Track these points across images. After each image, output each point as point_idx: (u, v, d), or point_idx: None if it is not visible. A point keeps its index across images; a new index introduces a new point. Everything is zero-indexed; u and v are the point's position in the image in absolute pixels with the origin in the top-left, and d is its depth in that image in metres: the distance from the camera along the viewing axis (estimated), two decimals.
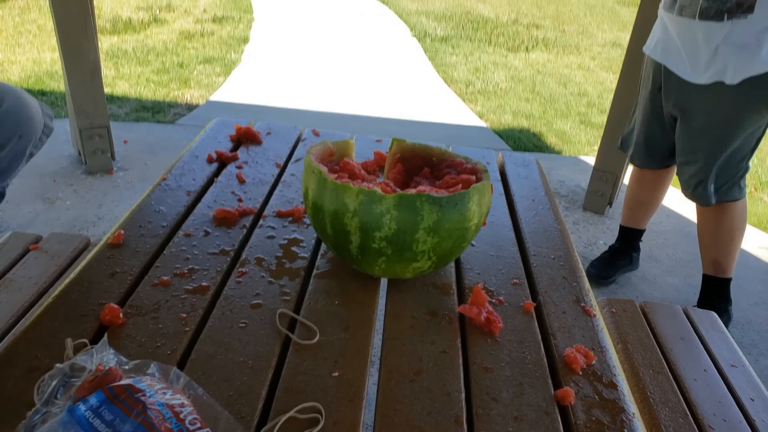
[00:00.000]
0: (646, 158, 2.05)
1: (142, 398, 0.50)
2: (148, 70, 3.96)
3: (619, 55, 5.52)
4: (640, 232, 2.28)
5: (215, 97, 3.72)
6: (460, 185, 0.79)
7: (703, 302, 2.02)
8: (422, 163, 0.91)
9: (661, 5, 1.80)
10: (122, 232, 0.84)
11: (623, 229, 2.28)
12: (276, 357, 0.68)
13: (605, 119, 2.69)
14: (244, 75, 4.17)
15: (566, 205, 2.79)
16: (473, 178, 0.81)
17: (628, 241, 2.28)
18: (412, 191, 0.72)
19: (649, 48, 1.88)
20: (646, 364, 1.07)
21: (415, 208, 0.70)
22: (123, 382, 0.52)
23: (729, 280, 2.00)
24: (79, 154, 2.55)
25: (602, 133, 2.69)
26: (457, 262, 0.89)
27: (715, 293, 2.01)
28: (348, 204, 0.72)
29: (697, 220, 2.05)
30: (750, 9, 1.46)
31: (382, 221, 0.71)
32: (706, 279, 2.04)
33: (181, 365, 0.65)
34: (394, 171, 0.90)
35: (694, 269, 2.42)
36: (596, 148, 2.88)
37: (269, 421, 0.59)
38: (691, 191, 1.89)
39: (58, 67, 3.59)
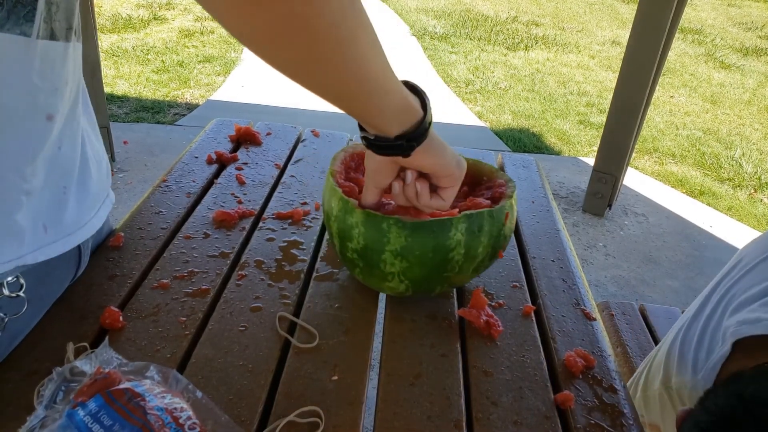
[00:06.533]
0: None
1: (141, 403, 0.50)
2: (147, 70, 3.96)
3: (618, 54, 5.52)
4: None
5: (215, 96, 3.72)
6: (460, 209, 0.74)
7: None
8: (468, 181, 0.84)
9: None
10: (122, 234, 0.84)
11: None
12: (276, 360, 0.68)
13: (605, 119, 2.69)
14: (243, 74, 4.17)
15: (566, 206, 2.80)
16: (488, 202, 0.75)
17: None
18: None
19: None
20: None
21: (381, 229, 0.69)
22: (122, 386, 0.52)
23: None
24: None
25: (601, 134, 2.69)
26: None
27: None
28: (333, 209, 0.73)
29: None
30: None
31: (352, 233, 0.71)
32: None
33: (181, 368, 0.65)
34: None
35: (694, 272, 2.43)
36: (596, 148, 2.88)
37: (269, 425, 0.59)
38: None
39: None
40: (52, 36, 0.54)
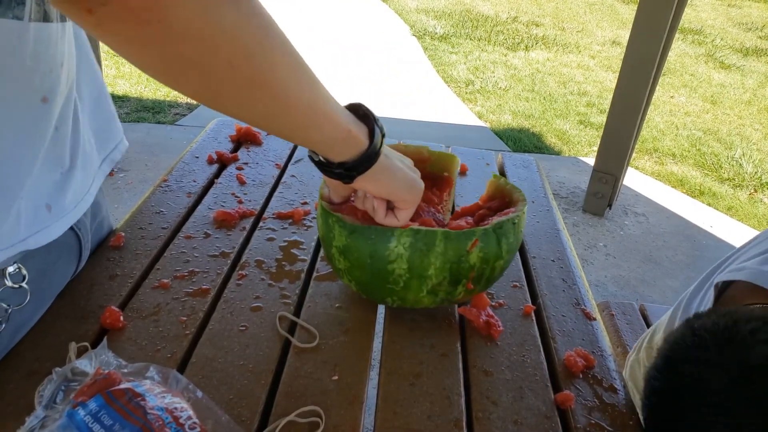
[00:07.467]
0: None
1: (142, 403, 0.50)
2: None
3: (618, 54, 5.52)
4: None
5: None
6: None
7: None
8: (496, 206, 0.80)
9: None
10: (122, 234, 0.84)
11: None
12: (276, 360, 0.68)
13: (605, 119, 2.69)
14: None
15: (566, 206, 2.80)
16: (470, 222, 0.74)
17: None
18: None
19: None
20: None
21: (329, 224, 0.70)
22: (122, 386, 0.52)
23: None
24: None
25: (601, 134, 2.69)
26: None
27: None
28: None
29: None
30: None
31: (318, 221, 0.74)
32: None
33: (181, 368, 0.65)
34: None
35: (694, 272, 2.43)
36: (596, 148, 2.88)
37: (269, 425, 0.60)
38: None
39: None
40: (45, 17, 0.53)
